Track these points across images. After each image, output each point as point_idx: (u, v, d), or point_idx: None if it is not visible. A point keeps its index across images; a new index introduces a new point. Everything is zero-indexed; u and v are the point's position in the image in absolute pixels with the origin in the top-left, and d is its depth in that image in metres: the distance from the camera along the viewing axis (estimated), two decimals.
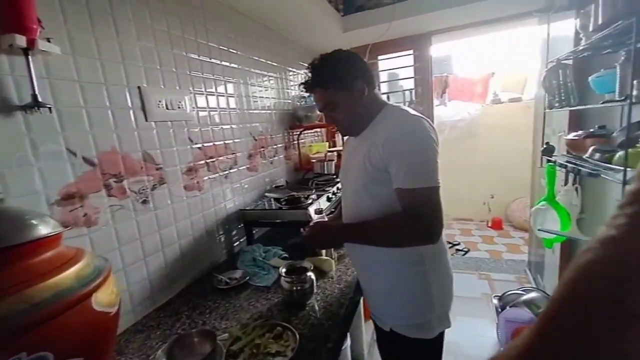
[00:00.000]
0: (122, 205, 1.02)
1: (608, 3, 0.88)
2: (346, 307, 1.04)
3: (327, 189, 1.78)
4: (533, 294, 1.68)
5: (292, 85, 2.31)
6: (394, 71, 2.92)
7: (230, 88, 1.61)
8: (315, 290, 1.09)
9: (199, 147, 1.38)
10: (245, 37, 1.74)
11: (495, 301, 1.80)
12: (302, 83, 1.01)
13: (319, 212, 1.38)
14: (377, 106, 0.97)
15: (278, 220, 1.54)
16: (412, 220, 0.81)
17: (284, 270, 1.07)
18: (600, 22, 0.92)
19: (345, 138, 1.17)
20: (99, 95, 0.97)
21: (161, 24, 1.21)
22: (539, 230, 1.31)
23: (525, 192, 3.40)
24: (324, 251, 1.36)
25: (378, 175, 0.88)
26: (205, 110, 1.43)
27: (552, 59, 1.38)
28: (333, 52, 0.96)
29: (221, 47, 1.55)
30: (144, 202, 1.10)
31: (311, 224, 1.01)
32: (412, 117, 0.87)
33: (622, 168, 0.89)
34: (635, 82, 0.80)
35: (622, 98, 1.08)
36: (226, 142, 1.56)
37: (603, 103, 1.15)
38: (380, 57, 2.79)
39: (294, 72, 2.36)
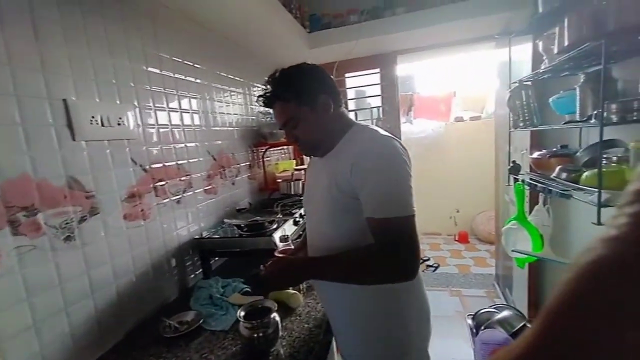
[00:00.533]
0: (34, 245, 0.82)
1: (574, 26, 0.89)
2: (316, 353, 0.90)
3: (293, 211, 1.65)
4: (506, 313, 1.65)
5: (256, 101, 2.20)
6: (361, 89, 2.92)
7: (186, 103, 1.46)
8: (280, 334, 0.94)
9: (144, 169, 1.20)
10: (206, 50, 1.61)
11: (469, 321, 1.75)
12: (260, 96, 0.90)
13: (284, 239, 1.24)
14: (344, 125, 0.88)
15: (239, 249, 1.38)
16: (385, 254, 0.72)
17: (242, 313, 0.91)
18: (566, 44, 0.92)
19: (309, 159, 1.07)
20: (6, 108, 0.79)
21: (98, 30, 1.04)
22: (512, 251, 1.29)
23: (488, 205, 3.52)
24: None
25: (347, 203, 0.78)
26: (154, 127, 1.26)
27: (514, 80, 1.40)
28: (296, 65, 0.88)
29: (175, 58, 1.40)
30: (68, 238, 0.90)
31: (271, 261, 0.87)
32: (383, 138, 0.79)
33: (595, 189, 0.87)
34: (605, 103, 0.79)
35: (585, 118, 1.09)
36: (179, 162, 1.39)
37: (566, 123, 1.16)
38: (347, 75, 2.78)
39: (259, 87, 2.25)
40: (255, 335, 0.88)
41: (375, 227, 0.73)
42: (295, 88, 0.84)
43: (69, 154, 0.93)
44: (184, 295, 1.28)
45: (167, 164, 1.32)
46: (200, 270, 1.43)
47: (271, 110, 2.38)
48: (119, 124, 1.10)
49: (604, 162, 1.07)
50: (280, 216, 1.50)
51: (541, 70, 1.20)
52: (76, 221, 0.93)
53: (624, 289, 0.19)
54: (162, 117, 1.32)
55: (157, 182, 1.26)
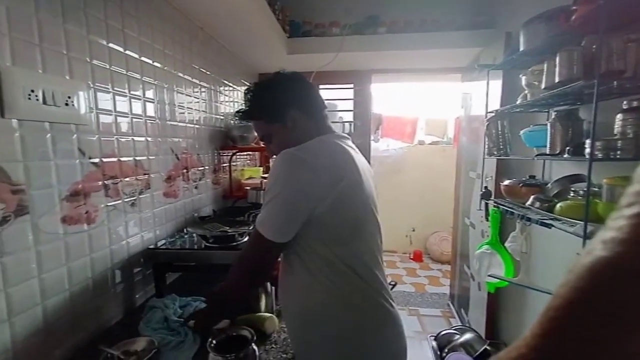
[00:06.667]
0: None
1: (565, 65, 0.95)
2: None
3: None
4: (467, 335, 1.69)
5: (227, 101, 2.04)
6: (333, 102, 2.91)
7: (150, 91, 1.27)
8: None
9: (94, 163, 0.99)
10: (177, 36, 1.44)
11: (433, 343, 1.76)
12: (237, 111, 0.92)
13: None
14: (316, 135, 0.83)
15: (201, 263, 1.20)
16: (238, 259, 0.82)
17: (213, 343, 0.77)
18: (557, 80, 0.97)
19: None
20: None
21: None
22: (489, 276, 1.32)
23: (441, 226, 3.71)
24: (262, 305, 1.08)
25: None
26: (111, 114, 1.06)
27: (491, 110, 1.48)
28: (267, 79, 0.88)
29: (142, 38, 1.22)
30: None
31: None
32: (305, 150, 0.74)
33: (570, 220, 0.91)
34: (587, 141, 0.84)
35: (557, 153, 1.17)
36: (138, 158, 1.19)
37: (538, 155, 1.24)
38: (322, 87, 2.75)
39: (230, 86, 2.10)
40: None
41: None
42: (263, 107, 0.86)
43: None
44: (130, 318, 1.06)
45: (123, 159, 1.11)
46: (152, 286, 1.21)
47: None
48: (66, 104, 0.90)
49: (572, 195, 1.16)
50: (251, 227, 1.35)
51: (521, 103, 1.27)
52: None
53: (625, 290, 0.19)
54: (122, 104, 1.12)
55: (109, 179, 1.05)
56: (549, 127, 1.24)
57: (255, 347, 0.79)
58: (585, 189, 1.11)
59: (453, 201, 2.66)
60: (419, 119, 3.96)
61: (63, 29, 0.89)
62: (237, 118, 0.94)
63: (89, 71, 0.98)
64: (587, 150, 0.88)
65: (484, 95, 1.66)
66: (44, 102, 0.83)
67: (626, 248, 0.20)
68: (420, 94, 4.02)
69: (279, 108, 0.83)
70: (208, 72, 1.77)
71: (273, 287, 1.10)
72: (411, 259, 3.81)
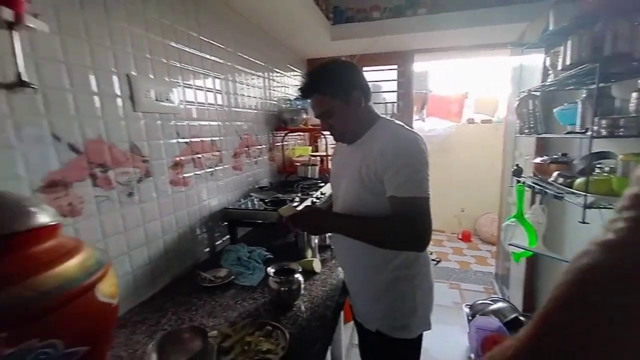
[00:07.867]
0: (107, 196, 0.97)
1: (575, 48, 1.01)
2: (332, 310, 1.06)
3: (311, 192, 1.80)
4: (500, 304, 1.80)
5: (277, 87, 2.32)
6: (377, 83, 3.03)
7: (218, 84, 1.59)
8: (302, 292, 1.10)
9: (186, 142, 1.35)
10: (234, 33, 1.72)
11: (466, 309, 1.90)
12: (300, 87, 1.01)
13: None
14: (372, 118, 1.01)
15: (262, 221, 1.53)
16: (404, 225, 0.85)
17: (272, 270, 1.08)
18: (568, 62, 1.04)
19: (336, 145, 1.19)
20: (86, 79, 0.92)
21: (153, 11, 1.16)
22: (509, 244, 1.43)
23: (492, 208, 3.61)
24: (309, 253, 1.38)
25: (372, 186, 0.92)
26: (193, 105, 1.40)
27: (523, 89, 1.52)
28: (332, 61, 0.98)
29: (212, 41, 1.52)
30: (130, 194, 1.06)
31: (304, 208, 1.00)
32: (407, 131, 0.92)
33: (583, 193, 1.01)
34: (596, 119, 0.92)
35: (583, 130, 1.22)
36: (213, 138, 1.54)
37: (567, 133, 1.29)
38: (365, 69, 2.88)
39: (280, 73, 2.37)
40: (282, 288, 1.04)
41: (396, 204, 0.86)
42: (332, 83, 0.93)
43: (131, 122, 1.07)
44: (213, 257, 1.45)
45: (203, 139, 1.46)
46: (226, 237, 1.60)
47: (291, 98, 2.50)
48: (167, 99, 1.25)
49: (597, 171, 1.21)
50: (300, 195, 1.65)
51: (547, 84, 1.32)
52: (135, 181, 1.08)
53: (619, 294, 0.19)
54: (200, 96, 1.45)
55: (195, 154, 1.41)
56: (579, 105, 1.28)
57: (300, 277, 1.08)
58: (611, 166, 1.17)
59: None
60: (467, 97, 3.84)
61: (162, 43, 1.22)
62: (299, 94, 0.99)
63: (179, 72, 1.31)
64: (595, 128, 0.96)
65: (535, 70, 1.66)
66: (156, 99, 1.19)
67: (622, 252, 0.20)
68: (470, 70, 3.86)
69: (346, 86, 0.92)
70: (262, 63, 2.05)
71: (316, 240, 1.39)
72: (459, 239, 3.81)
